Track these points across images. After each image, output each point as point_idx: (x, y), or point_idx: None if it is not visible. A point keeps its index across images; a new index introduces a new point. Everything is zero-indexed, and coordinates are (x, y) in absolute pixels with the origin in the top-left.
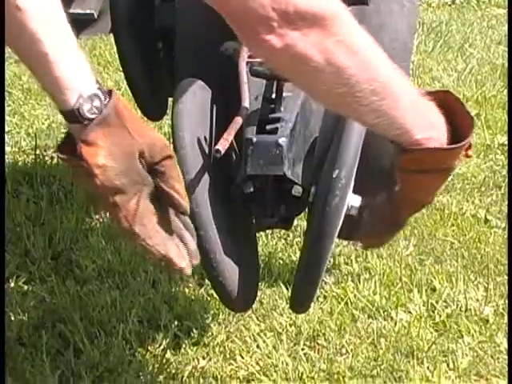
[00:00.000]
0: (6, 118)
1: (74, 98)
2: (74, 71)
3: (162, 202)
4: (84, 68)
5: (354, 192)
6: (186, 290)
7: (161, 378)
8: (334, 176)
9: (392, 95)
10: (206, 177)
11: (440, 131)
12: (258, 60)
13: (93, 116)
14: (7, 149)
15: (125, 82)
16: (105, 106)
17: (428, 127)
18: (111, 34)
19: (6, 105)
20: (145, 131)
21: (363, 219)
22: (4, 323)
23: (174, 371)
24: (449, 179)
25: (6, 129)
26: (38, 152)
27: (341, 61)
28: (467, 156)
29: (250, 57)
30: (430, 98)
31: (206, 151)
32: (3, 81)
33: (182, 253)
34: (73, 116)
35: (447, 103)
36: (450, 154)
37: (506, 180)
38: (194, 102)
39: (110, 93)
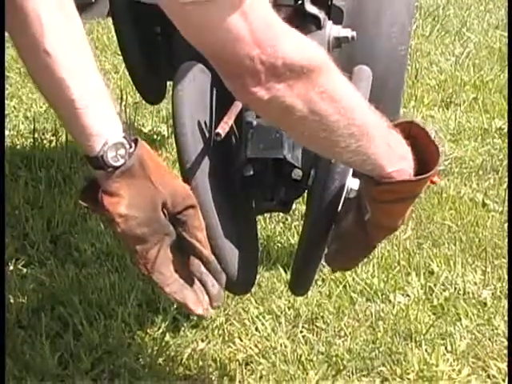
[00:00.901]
0: (4, 101)
1: (99, 144)
2: (100, 118)
3: (183, 249)
4: (111, 115)
5: (354, 175)
6: None
7: (160, 360)
8: (333, 160)
9: (367, 136)
10: (207, 162)
11: (408, 163)
12: None
13: (117, 164)
14: (5, 132)
15: (123, 66)
16: (129, 155)
17: (398, 160)
18: (108, 18)
19: None
20: (168, 181)
21: (333, 243)
22: (4, 306)
23: (173, 354)
24: (446, 163)
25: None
26: (36, 135)
27: (324, 109)
28: (432, 182)
29: None
30: (397, 130)
31: (207, 136)
32: (3, 66)
33: (199, 299)
34: (97, 162)
35: (413, 133)
36: (419, 184)
37: (504, 164)
38: (194, 86)
39: (135, 141)
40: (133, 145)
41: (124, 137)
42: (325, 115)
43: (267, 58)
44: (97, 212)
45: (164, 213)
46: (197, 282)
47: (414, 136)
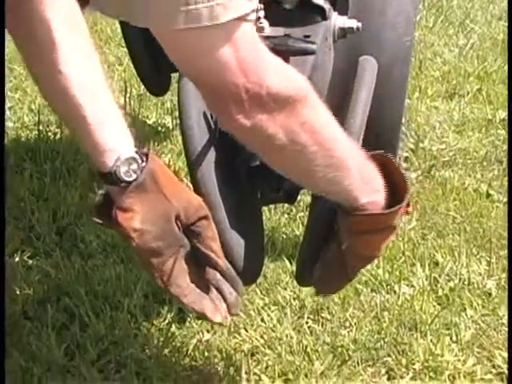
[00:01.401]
0: (9, 93)
1: (111, 160)
2: (113, 134)
3: (199, 259)
4: (123, 130)
5: None
6: None
7: (166, 351)
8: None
9: (345, 167)
10: (213, 153)
11: (381, 195)
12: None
13: (129, 179)
14: (10, 124)
15: (127, 58)
16: (141, 170)
17: (372, 192)
18: None
19: (8, 80)
20: (180, 193)
21: (317, 270)
22: (4, 301)
23: (178, 344)
24: (450, 155)
25: (9, 104)
26: (40, 128)
27: (304, 140)
28: (406, 212)
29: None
30: (372, 161)
31: (212, 127)
32: (3, 59)
33: (217, 307)
34: (110, 178)
35: (386, 165)
36: (392, 215)
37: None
38: None
39: (147, 155)
40: (144, 159)
41: (136, 151)
42: (305, 145)
43: (252, 86)
44: (111, 227)
45: (178, 225)
46: (214, 290)
47: (387, 168)
